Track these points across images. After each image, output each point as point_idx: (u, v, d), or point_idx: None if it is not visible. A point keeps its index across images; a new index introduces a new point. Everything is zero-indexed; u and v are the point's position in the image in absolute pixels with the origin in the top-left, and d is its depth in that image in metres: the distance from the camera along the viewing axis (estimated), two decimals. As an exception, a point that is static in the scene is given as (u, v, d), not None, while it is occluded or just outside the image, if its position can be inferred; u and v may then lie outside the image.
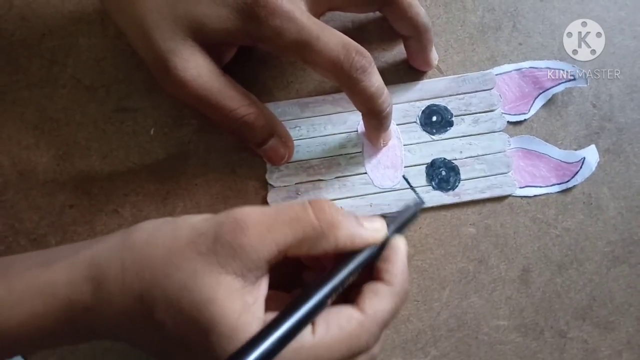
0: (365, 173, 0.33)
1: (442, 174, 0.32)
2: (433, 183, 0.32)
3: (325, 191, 0.32)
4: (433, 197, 0.32)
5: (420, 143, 0.33)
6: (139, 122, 0.33)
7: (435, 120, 0.33)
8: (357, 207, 0.32)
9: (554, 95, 0.34)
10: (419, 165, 0.33)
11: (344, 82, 0.27)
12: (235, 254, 0.21)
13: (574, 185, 0.33)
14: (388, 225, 0.25)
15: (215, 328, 0.20)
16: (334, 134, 0.33)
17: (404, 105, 0.33)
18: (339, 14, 0.34)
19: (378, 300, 0.23)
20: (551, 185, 0.33)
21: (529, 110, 0.33)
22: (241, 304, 0.20)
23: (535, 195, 0.33)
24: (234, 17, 0.26)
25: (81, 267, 0.22)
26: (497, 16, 0.35)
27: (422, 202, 0.29)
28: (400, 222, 0.26)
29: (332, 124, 0.33)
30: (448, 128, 0.33)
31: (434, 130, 0.33)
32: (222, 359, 0.20)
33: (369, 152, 0.33)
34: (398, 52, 0.34)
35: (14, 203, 0.32)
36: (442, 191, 0.32)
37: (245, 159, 0.33)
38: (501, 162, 0.33)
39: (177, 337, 0.21)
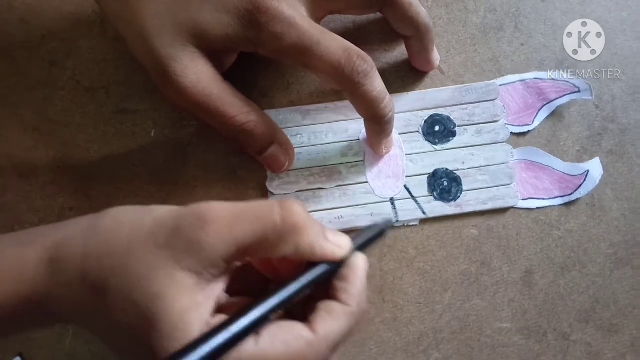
0: (367, 182, 0.32)
1: (444, 184, 0.32)
2: (435, 193, 0.32)
3: (326, 200, 0.32)
4: (435, 207, 0.32)
5: (423, 153, 0.33)
6: (139, 124, 0.33)
7: (438, 130, 0.33)
8: (357, 216, 0.32)
9: (557, 107, 0.33)
10: (421, 175, 0.32)
11: (346, 87, 0.27)
12: (192, 249, 0.20)
13: (577, 199, 0.33)
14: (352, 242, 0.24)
15: (158, 324, 0.19)
16: (336, 142, 0.33)
17: (407, 114, 0.33)
18: (339, 16, 0.34)
19: (331, 320, 0.22)
20: (554, 198, 0.33)
21: (533, 122, 0.33)
22: (189, 303, 0.20)
23: (538, 208, 0.32)
24: (235, 24, 0.26)
25: (48, 249, 0.22)
26: (499, 17, 0.35)
27: (391, 222, 0.28)
28: (363, 240, 0.25)
29: (333, 132, 0.33)
30: (451, 138, 0.33)
31: (437, 140, 0.33)
32: (157, 357, 0.19)
33: (371, 161, 0.33)
34: (399, 53, 0.34)
35: (13, 205, 0.32)
36: (443, 202, 0.32)
37: (245, 161, 0.32)
38: (504, 174, 0.33)
39: (126, 329, 0.20)
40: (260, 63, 0.33)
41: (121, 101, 0.33)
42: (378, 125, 0.29)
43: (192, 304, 0.20)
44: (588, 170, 0.33)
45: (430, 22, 0.30)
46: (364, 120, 0.30)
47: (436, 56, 0.33)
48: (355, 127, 0.33)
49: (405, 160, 0.33)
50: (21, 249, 0.22)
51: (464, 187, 0.32)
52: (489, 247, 0.32)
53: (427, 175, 0.32)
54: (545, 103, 0.33)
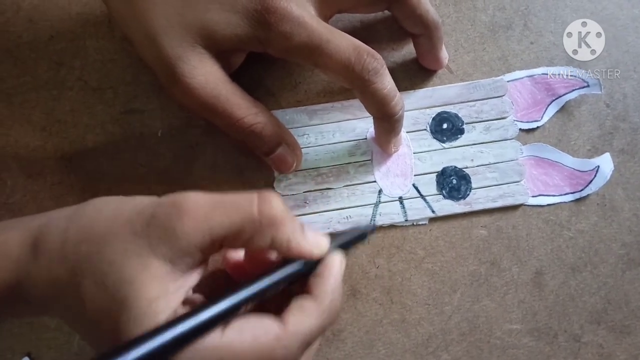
0: (375, 181, 0.32)
1: (453, 182, 0.32)
2: (444, 192, 0.32)
3: (334, 200, 0.32)
4: (444, 206, 0.32)
5: (431, 151, 0.32)
6: (146, 124, 0.33)
7: (446, 127, 0.33)
8: (366, 215, 0.31)
9: (566, 102, 0.33)
10: (430, 173, 0.32)
11: (356, 85, 0.27)
12: (167, 237, 0.20)
13: (588, 195, 0.32)
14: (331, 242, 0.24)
15: (126, 310, 0.19)
16: (343, 142, 0.32)
17: (414, 112, 0.33)
18: (347, 15, 0.34)
19: (302, 316, 0.22)
20: (564, 195, 0.32)
21: (542, 118, 0.33)
22: (159, 290, 0.20)
23: (548, 205, 0.32)
24: (244, 24, 0.26)
25: (31, 233, 0.22)
26: (508, 15, 0.34)
27: (374, 227, 0.29)
28: (343, 240, 0.25)
29: (341, 131, 0.33)
30: (459, 136, 0.33)
31: (445, 138, 0.33)
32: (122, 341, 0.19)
33: (379, 160, 0.32)
34: (408, 52, 0.34)
35: (22, 205, 0.32)
36: (452, 200, 0.32)
37: (253, 161, 0.32)
38: (513, 171, 0.32)
39: (95, 316, 0.20)
40: (268, 62, 0.33)
41: (129, 101, 0.33)
42: (388, 123, 0.29)
43: (163, 291, 0.20)
44: (598, 166, 0.32)
45: (439, 19, 0.30)
46: (374, 118, 0.29)
47: (445, 54, 0.32)
48: (362, 126, 0.32)
49: (414, 158, 0.32)
50: (5, 233, 0.23)
51: (473, 185, 0.32)
52: (499, 248, 0.32)
53: (435, 174, 0.32)
54: (554, 98, 0.33)
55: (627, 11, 0.34)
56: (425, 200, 0.32)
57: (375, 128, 0.31)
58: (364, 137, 0.32)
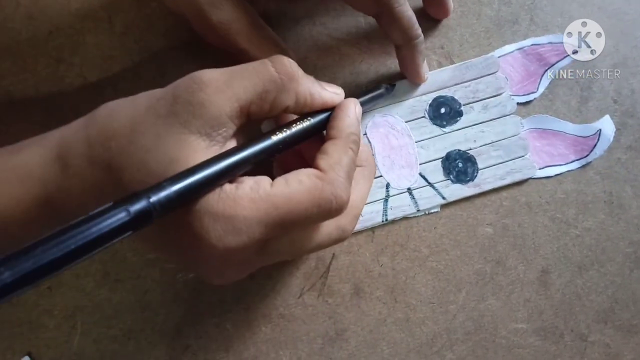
0: (381, 176, 0.32)
1: (459, 165, 0.32)
2: (451, 176, 0.32)
3: None
4: (454, 191, 0.31)
5: (433, 137, 0.32)
6: (146, 121, 0.32)
7: (444, 112, 0.32)
8: (377, 212, 0.31)
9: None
10: (435, 160, 0.32)
11: (384, 5, 0.28)
12: (195, 111, 0.21)
13: (591, 161, 0.32)
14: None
15: None
16: None
17: (410, 101, 0.32)
18: (350, 11, 0.33)
19: (329, 157, 0.23)
20: (571, 162, 0.32)
21: (538, 89, 0.33)
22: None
23: (556, 175, 0.32)
24: None
25: (50, 148, 0.22)
26: (513, 9, 0.34)
27: (393, 85, 0.31)
28: (364, 95, 0.29)
29: None
30: (458, 118, 0.32)
31: (444, 123, 0.32)
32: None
33: (381, 154, 0.32)
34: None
35: (21, 204, 0.31)
36: (461, 184, 0.31)
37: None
38: (517, 146, 0.32)
39: None
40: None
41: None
42: (414, 47, 0.29)
43: None
44: (600, 129, 0.32)
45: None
46: (399, 49, 0.30)
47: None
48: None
49: (416, 147, 0.32)
50: (22, 154, 0.23)
51: (480, 166, 0.32)
52: (504, 246, 0.31)
53: (440, 160, 0.32)
54: (546, 68, 0.33)
55: (635, 6, 0.34)
56: (434, 187, 0.31)
57: (402, 59, 0.31)
58: (363, 133, 0.32)
